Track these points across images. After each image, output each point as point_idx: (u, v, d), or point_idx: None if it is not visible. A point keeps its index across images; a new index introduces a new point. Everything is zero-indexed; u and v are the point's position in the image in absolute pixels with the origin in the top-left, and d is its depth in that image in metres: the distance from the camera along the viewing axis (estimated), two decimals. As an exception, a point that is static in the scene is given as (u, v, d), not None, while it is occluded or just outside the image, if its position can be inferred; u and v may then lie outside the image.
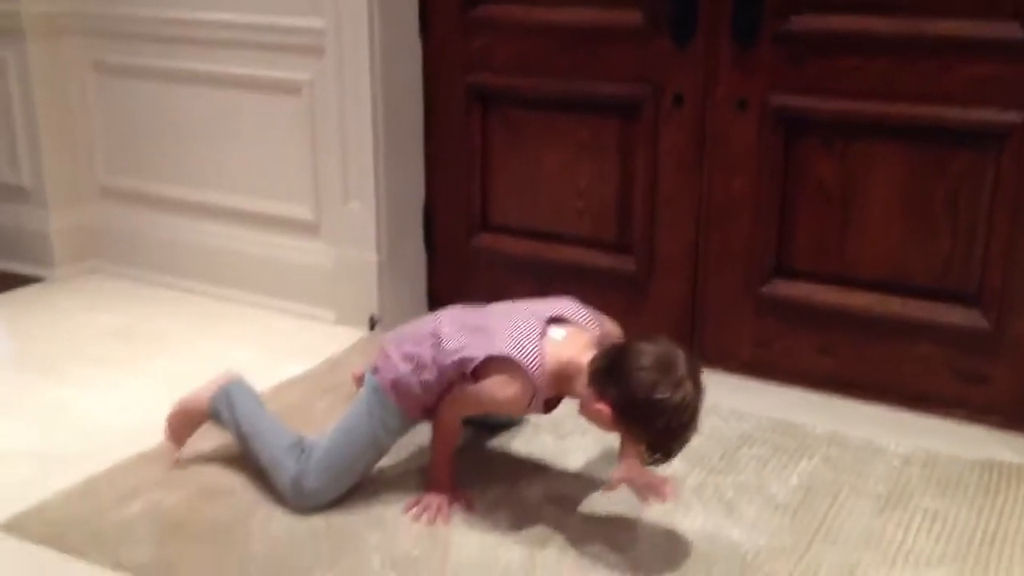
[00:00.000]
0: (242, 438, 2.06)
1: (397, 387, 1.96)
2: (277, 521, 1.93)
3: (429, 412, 2.00)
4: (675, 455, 1.79)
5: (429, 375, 1.95)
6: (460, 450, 2.09)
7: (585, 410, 1.82)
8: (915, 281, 2.35)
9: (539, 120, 2.70)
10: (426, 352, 1.95)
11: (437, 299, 2.90)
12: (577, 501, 2.01)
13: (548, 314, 1.91)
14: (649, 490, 1.89)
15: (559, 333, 1.89)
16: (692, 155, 2.51)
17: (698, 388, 1.74)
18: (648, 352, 1.75)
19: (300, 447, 1.99)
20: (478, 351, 1.87)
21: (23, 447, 2.24)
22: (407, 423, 2.01)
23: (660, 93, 2.50)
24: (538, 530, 1.91)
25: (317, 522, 1.93)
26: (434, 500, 1.97)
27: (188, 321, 2.97)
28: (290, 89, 2.87)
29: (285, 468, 1.97)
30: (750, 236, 2.49)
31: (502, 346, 1.84)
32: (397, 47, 2.76)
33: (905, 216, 2.32)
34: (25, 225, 3.34)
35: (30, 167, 3.29)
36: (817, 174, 2.39)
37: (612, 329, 2.02)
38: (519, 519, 1.94)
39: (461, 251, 2.90)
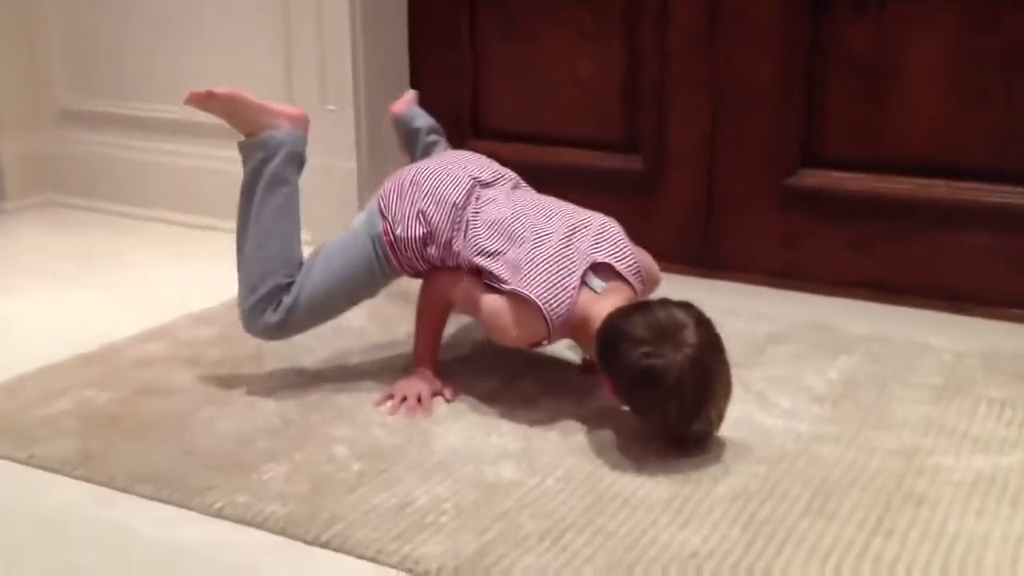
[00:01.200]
0: (248, 215, 1.73)
1: (397, 246, 1.69)
2: (225, 419, 1.63)
3: (419, 275, 1.74)
4: (706, 436, 1.50)
5: (438, 252, 1.68)
6: (444, 345, 1.80)
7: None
8: (964, 160, 2.06)
9: (535, 6, 2.41)
10: (444, 227, 1.67)
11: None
12: (582, 393, 1.71)
13: (596, 257, 1.61)
14: None
15: (599, 285, 1.59)
16: (705, 33, 2.23)
17: (713, 351, 1.46)
18: (638, 320, 1.46)
19: (291, 282, 1.71)
20: (505, 274, 1.59)
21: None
22: (393, 275, 1.76)
23: (669, -38, 2.22)
24: (536, 417, 1.62)
25: (272, 419, 1.63)
26: (412, 388, 1.68)
27: (148, 243, 2.69)
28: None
29: (262, 295, 1.69)
30: (772, 121, 2.21)
31: (533, 287, 1.56)
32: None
33: (951, 84, 2.03)
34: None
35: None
36: (848, 44, 2.10)
37: (652, 278, 1.75)
38: (513, 410, 1.65)
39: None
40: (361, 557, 1.26)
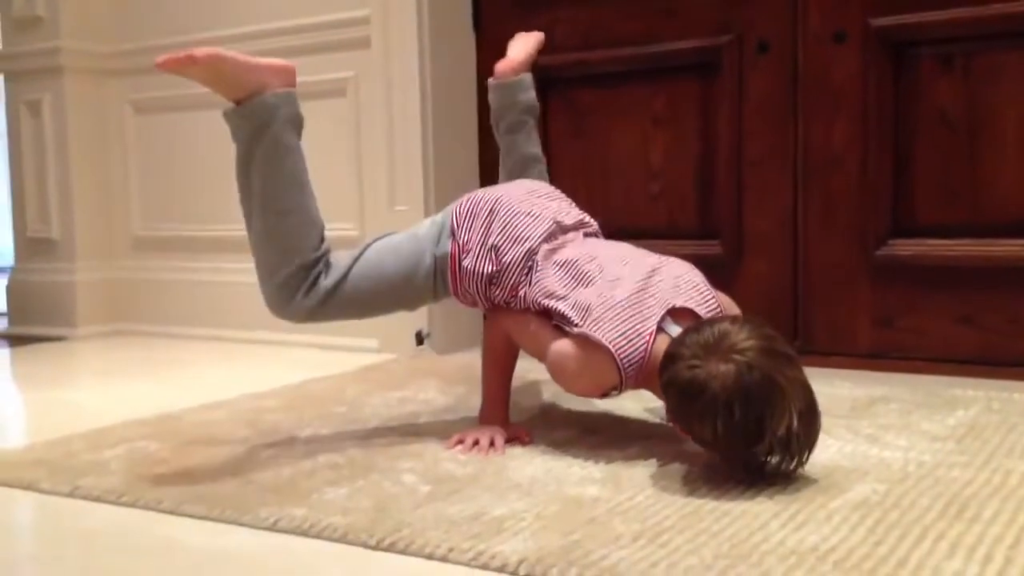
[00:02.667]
0: (251, 191, 1.56)
1: (461, 275, 1.58)
2: (285, 460, 1.51)
3: (473, 305, 1.63)
4: (781, 465, 1.28)
5: (502, 294, 1.57)
6: (516, 394, 1.67)
7: None
8: (1069, 215, 1.93)
9: (607, 98, 2.41)
10: (515, 269, 1.55)
11: (494, 314, 2.52)
12: (671, 437, 1.56)
13: (675, 302, 1.46)
14: None
15: (675, 330, 1.42)
16: (783, 105, 2.18)
17: (772, 358, 1.28)
18: (688, 338, 1.33)
19: (319, 256, 1.56)
20: (575, 316, 1.46)
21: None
22: (445, 296, 1.65)
23: (742, 40, 2.21)
24: (621, 455, 1.47)
25: (334, 458, 1.50)
26: (485, 432, 1.54)
27: (218, 357, 2.62)
28: (334, 91, 2.64)
29: (288, 275, 1.54)
30: (859, 190, 2.12)
31: (605, 331, 1.41)
32: (448, 34, 2.54)
33: (1050, 136, 1.94)
34: (50, 282, 3.07)
35: (60, 218, 3.07)
36: (936, 101, 2.03)
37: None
38: (595, 450, 1.50)
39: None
40: (430, 558, 1.10)
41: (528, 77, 1.91)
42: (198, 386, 2.17)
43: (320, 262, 1.56)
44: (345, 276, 1.56)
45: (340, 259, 1.58)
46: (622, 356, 1.41)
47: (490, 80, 1.92)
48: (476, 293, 1.60)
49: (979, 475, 1.31)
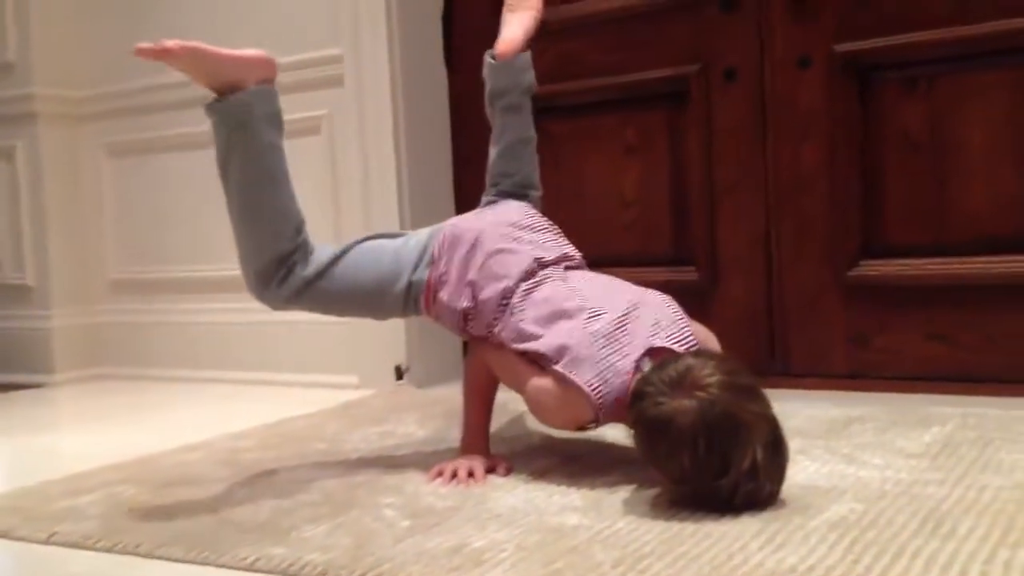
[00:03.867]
0: (230, 187, 1.59)
1: (438, 308, 1.61)
2: (263, 496, 1.50)
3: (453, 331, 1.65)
4: (753, 496, 1.27)
5: (478, 330, 1.58)
6: (497, 424, 1.68)
7: None
8: (1036, 231, 1.96)
9: (579, 128, 2.43)
10: (490, 306, 1.56)
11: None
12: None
13: (654, 342, 1.45)
14: None
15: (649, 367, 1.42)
16: (752, 131, 2.21)
17: (737, 393, 1.28)
18: (654, 375, 1.35)
19: (294, 248, 1.58)
20: (551, 353, 1.46)
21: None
22: (417, 314, 1.67)
23: (709, 69, 2.24)
24: (602, 482, 1.47)
25: (314, 495, 1.50)
26: (464, 463, 1.54)
27: (197, 398, 2.60)
28: (309, 129, 2.64)
29: (265, 264, 1.58)
30: (829, 212, 2.14)
31: (581, 370, 1.42)
32: (420, 70, 2.56)
33: (1015, 155, 1.97)
34: (26, 329, 3.06)
35: (35, 265, 3.06)
36: (901, 123, 2.06)
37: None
38: (576, 478, 1.50)
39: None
40: (410, 592, 1.10)
41: (528, 55, 1.86)
42: (176, 428, 2.16)
43: (295, 253, 1.58)
44: (322, 273, 1.59)
45: (322, 253, 1.61)
46: (597, 396, 1.42)
47: (489, 59, 1.83)
48: (453, 325, 1.60)
49: (954, 491, 1.32)
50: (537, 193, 1.84)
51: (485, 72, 1.84)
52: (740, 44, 2.20)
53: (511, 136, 1.82)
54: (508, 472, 1.54)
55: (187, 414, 2.38)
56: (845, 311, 2.14)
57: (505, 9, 1.86)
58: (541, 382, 1.46)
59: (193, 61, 1.50)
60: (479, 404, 1.61)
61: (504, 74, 1.81)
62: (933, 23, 2.01)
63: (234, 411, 2.34)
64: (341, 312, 1.70)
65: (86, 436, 2.18)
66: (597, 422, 1.46)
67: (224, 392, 2.64)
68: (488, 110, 1.86)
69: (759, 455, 1.25)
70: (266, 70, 1.57)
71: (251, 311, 2.77)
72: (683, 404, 1.27)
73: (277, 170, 1.58)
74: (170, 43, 1.45)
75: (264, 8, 2.70)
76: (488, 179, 1.83)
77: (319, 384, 2.58)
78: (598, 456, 1.63)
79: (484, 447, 1.59)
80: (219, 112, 1.54)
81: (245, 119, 1.53)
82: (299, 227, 1.60)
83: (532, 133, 1.86)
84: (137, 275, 3.05)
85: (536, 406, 1.49)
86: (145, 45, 1.43)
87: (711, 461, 1.25)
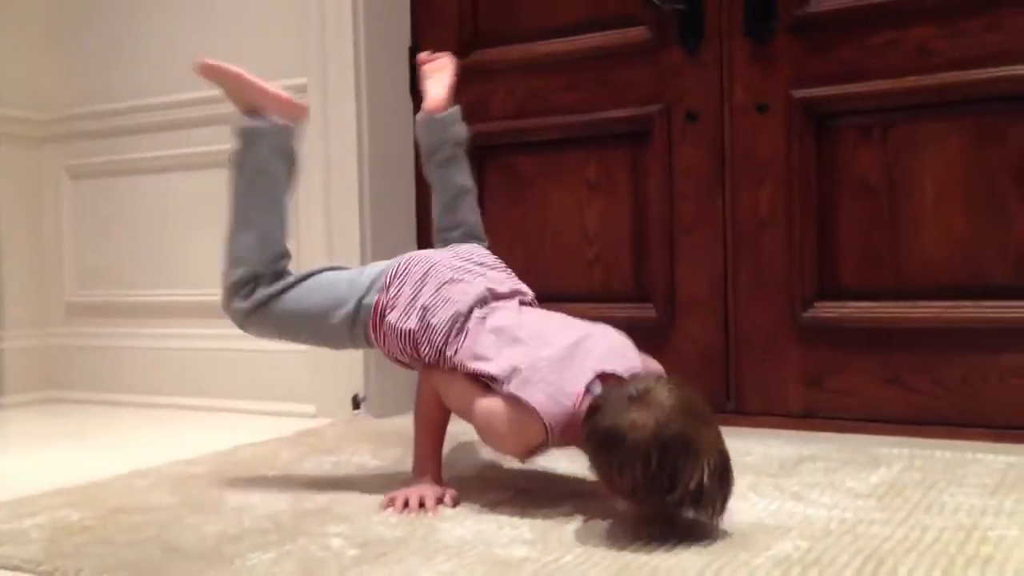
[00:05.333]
0: (234, 198, 1.74)
1: (385, 331, 1.62)
2: (210, 524, 1.49)
3: (399, 363, 1.67)
4: (700, 513, 1.31)
5: (430, 353, 1.59)
6: (451, 456, 1.68)
7: None
8: (990, 278, 2.00)
9: (543, 164, 2.45)
10: (441, 329, 1.57)
11: (431, 379, 2.52)
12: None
13: (603, 367, 1.47)
14: None
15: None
16: (711, 173, 2.24)
17: (689, 413, 1.31)
18: (609, 393, 1.39)
19: (271, 271, 1.70)
20: (501, 376, 1.48)
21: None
22: (366, 346, 1.71)
23: (671, 110, 2.27)
24: (553, 514, 1.47)
25: (262, 523, 1.49)
26: (415, 492, 1.54)
27: (150, 423, 2.58)
28: (271, 157, 2.65)
29: (238, 278, 1.70)
30: (786, 256, 2.17)
31: (532, 391, 1.44)
32: (385, 100, 2.57)
33: (967, 202, 2.01)
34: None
35: (-9, 286, 3.02)
36: (857, 170, 2.10)
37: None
38: (527, 510, 1.50)
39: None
40: (353, 621, 1.09)
41: (456, 109, 1.90)
42: (128, 453, 2.13)
43: (267, 276, 1.67)
44: (278, 295, 1.67)
45: (287, 278, 1.69)
46: (548, 415, 1.43)
47: (418, 115, 1.91)
48: (401, 350, 1.61)
49: (897, 531, 1.34)
50: (484, 244, 1.86)
51: (416, 132, 1.92)
52: (701, 87, 2.24)
53: (451, 190, 1.89)
54: (456, 503, 1.54)
55: (139, 439, 2.35)
56: (800, 352, 2.17)
57: (424, 72, 1.95)
58: (491, 404, 1.48)
59: (236, 85, 1.76)
60: (430, 432, 1.62)
61: (435, 130, 1.88)
62: (889, 73, 2.05)
63: (187, 437, 2.32)
64: (294, 336, 1.73)
65: (33, 459, 2.15)
66: (547, 444, 1.47)
67: (179, 418, 2.62)
68: (425, 169, 1.92)
69: (706, 479, 1.27)
70: (291, 112, 1.77)
71: (209, 337, 2.77)
72: (640, 418, 1.29)
73: (270, 196, 1.72)
74: (227, 67, 1.75)
75: (230, 36, 2.70)
76: (435, 235, 1.89)
77: (276, 412, 2.57)
78: (550, 489, 1.63)
79: (436, 475, 1.59)
80: (237, 131, 1.74)
81: (254, 143, 1.71)
82: (280, 255, 1.71)
83: (471, 184, 1.92)
84: (94, 298, 3.02)
85: (486, 429, 1.49)
86: (209, 62, 1.74)
87: (661, 478, 1.27)
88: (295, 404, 2.57)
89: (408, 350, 1.60)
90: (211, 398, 2.73)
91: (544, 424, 1.43)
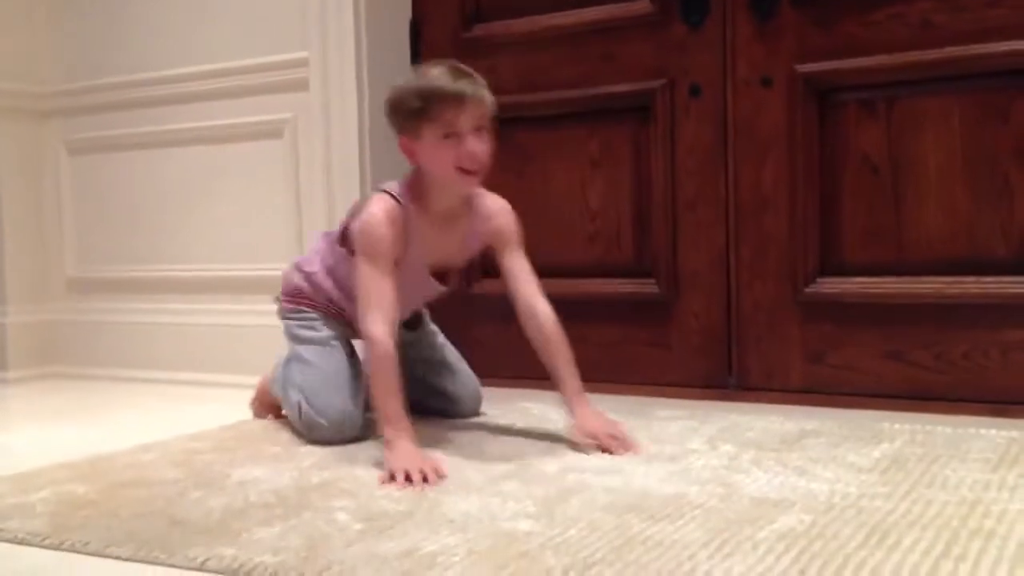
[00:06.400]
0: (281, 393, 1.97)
1: (300, 288, 1.97)
2: (215, 498, 1.49)
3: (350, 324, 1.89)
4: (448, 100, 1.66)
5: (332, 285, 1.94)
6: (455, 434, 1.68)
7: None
8: (989, 254, 2.00)
9: (546, 139, 2.44)
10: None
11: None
12: (610, 470, 1.57)
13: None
14: (614, 442, 1.67)
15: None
16: (714, 148, 2.23)
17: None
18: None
19: None
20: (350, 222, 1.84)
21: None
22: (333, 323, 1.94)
23: (674, 85, 2.26)
24: (556, 488, 1.48)
25: (267, 496, 1.49)
26: (411, 463, 1.54)
27: (154, 399, 2.58)
28: (271, 132, 2.65)
29: (291, 402, 1.90)
30: (788, 231, 2.17)
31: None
32: (386, 75, 2.55)
33: (969, 178, 2.01)
34: (-19, 324, 3.02)
35: (-9, 261, 3.02)
36: (859, 146, 2.10)
37: None
38: (529, 484, 1.50)
39: (458, 300, 2.55)
40: (360, 594, 1.10)
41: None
42: (132, 429, 2.14)
43: None
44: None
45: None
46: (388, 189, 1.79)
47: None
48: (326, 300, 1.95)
49: (900, 505, 1.34)
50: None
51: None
52: (704, 61, 2.23)
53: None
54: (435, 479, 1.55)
55: (143, 414, 2.36)
56: (802, 328, 2.17)
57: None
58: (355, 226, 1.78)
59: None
60: (389, 388, 1.66)
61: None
62: (892, 47, 2.04)
63: (191, 412, 2.32)
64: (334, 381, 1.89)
65: (38, 434, 2.16)
66: (405, 216, 1.75)
67: (182, 393, 2.62)
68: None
69: (436, 69, 1.71)
70: None
71: (210, 312, 2.77)
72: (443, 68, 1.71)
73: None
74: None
75: (231, 9, 2.69)
76: None
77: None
78: (554, 463, 1.63)
79: (410, 431, 1.64)
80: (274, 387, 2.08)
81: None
82: None
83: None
84: (95, 274, 3.02)
85: (364, 240, 1.73)
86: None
87: (410, 87, 1.71)
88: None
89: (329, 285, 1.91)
90: (213, 373, 2.73)
91: (392, 198, 1.75)
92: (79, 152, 3.01)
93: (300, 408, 1.86)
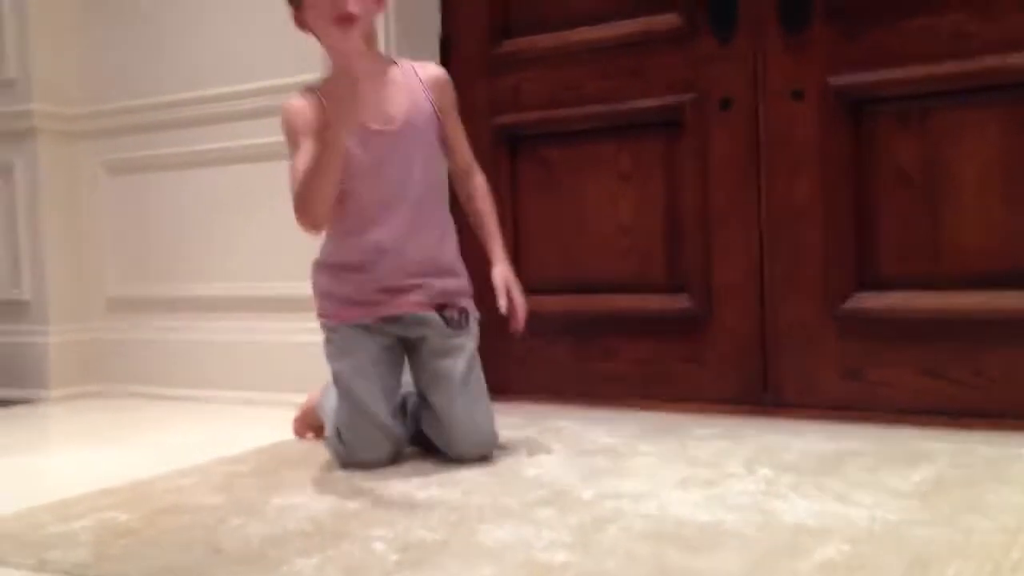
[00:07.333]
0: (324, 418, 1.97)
1: (321, 299, 1.92)
2: (254, 525, 1.51)
3: (355, 304, 1.85)
4: None
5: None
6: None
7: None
8: (1030, 266, 1.97)
9: (575, 154, 2.45)
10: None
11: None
12: (639, 496, 1.57)
13: None
14: (513, 308, 1.84)
15: None
16: (746, 162, 2.22)
17: None
18: None
19: None
20: None
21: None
22: (358, 328, 1.86)
23: (705, 98, 2.26)
24: (595, 514, 1.47)
25: (304, 525, 1.50)
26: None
27: (194, 418, 2.61)
28: (285, 153, 2.65)
29: (330, 435, 1.88)
30: (823, 246, 2.15)
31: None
32: (418, 93, 2.57)
33: (1007, 189, 1.98)
34: (22, 344, 3.06)
35: (32, 280, 3.06)
36: (894, 158, 2.08)
37: None
38: (566, 512, 1.50)
39: (490, 319, 2.56)
40: (398, 630, 1.10)
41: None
42: (171, 449, 2.16)
43: None
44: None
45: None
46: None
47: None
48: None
49: (941, 533, 1.33)
50: None
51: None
52: (735, 74, 2.22)
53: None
54: None
55: (183, 435, 2.38)
56: (838, 343, 2.15)
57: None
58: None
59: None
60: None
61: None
62: (926, 58, 2.02)
63: (230, 433, 2.34)
64: (364, 404, 1.84)
65: (79, 456, 2.19)
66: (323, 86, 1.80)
67: (221, 412, 2.65)
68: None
69: None
70: None
71: (250, 331, 2.80)
72: None
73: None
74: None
75: (263, 30, 2.71)
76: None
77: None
78: (588, 489, 1.63)
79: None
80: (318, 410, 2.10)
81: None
82: None
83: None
84: (135, 292, 3.05)
85: (283, 128, 1.82)
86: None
87: None
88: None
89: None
90: (252, 391, 2.75)
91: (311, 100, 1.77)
92: (118, 172, 3.05)
93: (337, 439, 1.86)
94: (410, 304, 1.84)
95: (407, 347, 1.89)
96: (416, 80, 1.85)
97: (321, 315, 1.92)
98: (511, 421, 1.90)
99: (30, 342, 3.04)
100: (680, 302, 2.31)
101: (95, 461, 2.12)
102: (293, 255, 2.70)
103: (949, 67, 2.00)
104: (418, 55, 2.55)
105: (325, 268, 1.91)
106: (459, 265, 1.91)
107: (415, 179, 1.82)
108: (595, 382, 2.41)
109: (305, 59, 2.64)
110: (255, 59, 2.74)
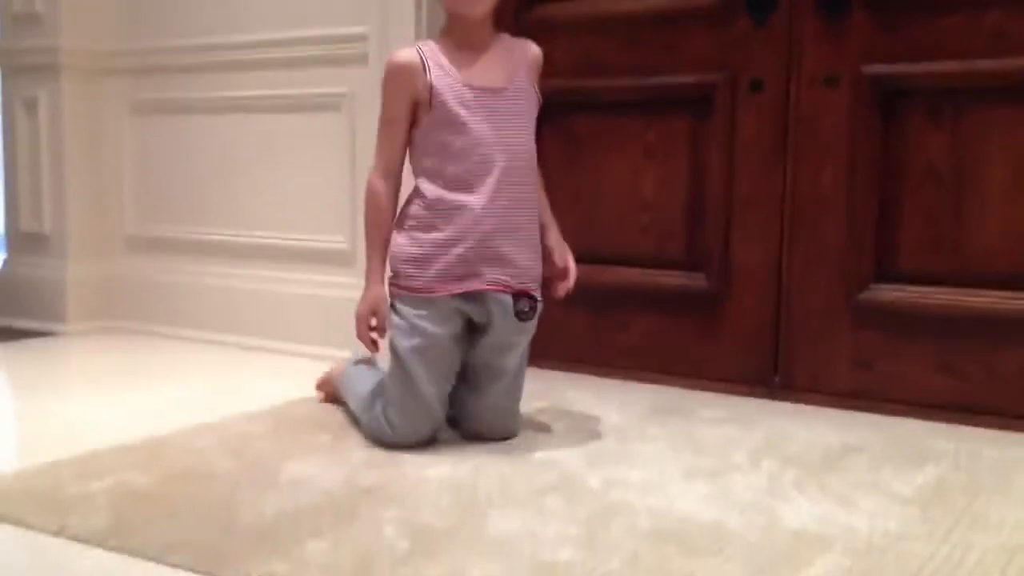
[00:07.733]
0: (345, 401, 2.01)
1: (396, 272, 1.82)
2: (267, 499, 1.54)
3: (437, 277, 1.77)
4: None
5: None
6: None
7: None
8: (1051, 271, 1.97)
9: (600, 127, 2.43)
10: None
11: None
12: (651, 489, 1.60)
13: None
14: (567, 272, 1.91)
15: None
16: (774, 146, 2.21)
17: None
18: None
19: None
20: None
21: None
22: (433, 306, 1.77)
23: (736, 79, 2.23)
24: (603, 505, 1.50)
25: (317, 499, 1.54)
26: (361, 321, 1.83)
27: (208, 362, 2.65)
28: (328, 105, 2.66)
29: (371, 410, 1.85)
30: (844, 235, 2.15)
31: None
32: (445, 53, 2.54)
33: (1032, 193, 1.97)
34: (41, 277, 3.09)
35: (53, 214, 3.08)
36: (924, 153, 2.06)
37: None
38: (574, 502, 1.53)
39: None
40: (405, 626, 1.14)
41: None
42: (189, 398, 2.22)
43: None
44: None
45: None
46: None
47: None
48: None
49: (940, 549, 1.35)
50: None
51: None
52: (768, 57, 2.19)
53: None
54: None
55: (200, 380, 2.42)
56: (852, 332, 2.16)
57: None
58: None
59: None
60: (370, 220, 1.86)
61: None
62: (964, 54, 1.99)
63: (247, 382, 2.39)
64: (423, 384, 1.80)
65: (99, 400, 2.22)
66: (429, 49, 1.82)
67: (234, 358, 2.69)
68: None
69: None
70: None
71: (259, 279, 2.82)
72: None
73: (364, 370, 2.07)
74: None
75: (293, -21, 2.69)
76: None
77: (334, 358, 2.61)
78: (596, 476, 1.66)
79: (380, 279, 1.83)
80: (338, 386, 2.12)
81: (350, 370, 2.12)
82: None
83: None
84: (153, 233, 3.07)
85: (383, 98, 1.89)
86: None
87: None
88: (354, 350, 2.61)
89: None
90: (266, 339, 2.78)
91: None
92: (141, 112, 3.05)
93: (382, 416, 1.81)
94: (496, 282, 1.76)
95: (469, 330, 1.82)
96: (521, 53, 1.86)
97: (394, 283, 1.80)
98: (527, 389, 1.91)
99: (49, 275, 3.08)
100: (697, 280, 2.32)
101: (113, 406, 2.16)
102: (317, 208, 2.73)
103: (986, 65, 1.97)
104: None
105: (408, 232, 1.80)
106: (540, 245, 1.86)
107: (515, 146, 1.80)
108: (609, 353, 2.43)
109: (330, 13, 2.62)
110: (283, 9, 2.72)
